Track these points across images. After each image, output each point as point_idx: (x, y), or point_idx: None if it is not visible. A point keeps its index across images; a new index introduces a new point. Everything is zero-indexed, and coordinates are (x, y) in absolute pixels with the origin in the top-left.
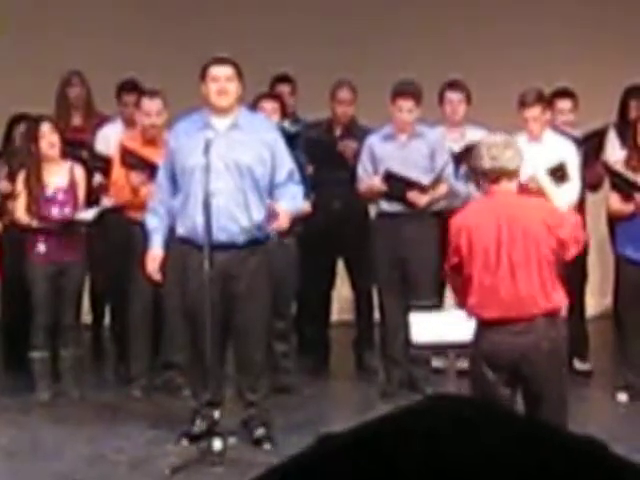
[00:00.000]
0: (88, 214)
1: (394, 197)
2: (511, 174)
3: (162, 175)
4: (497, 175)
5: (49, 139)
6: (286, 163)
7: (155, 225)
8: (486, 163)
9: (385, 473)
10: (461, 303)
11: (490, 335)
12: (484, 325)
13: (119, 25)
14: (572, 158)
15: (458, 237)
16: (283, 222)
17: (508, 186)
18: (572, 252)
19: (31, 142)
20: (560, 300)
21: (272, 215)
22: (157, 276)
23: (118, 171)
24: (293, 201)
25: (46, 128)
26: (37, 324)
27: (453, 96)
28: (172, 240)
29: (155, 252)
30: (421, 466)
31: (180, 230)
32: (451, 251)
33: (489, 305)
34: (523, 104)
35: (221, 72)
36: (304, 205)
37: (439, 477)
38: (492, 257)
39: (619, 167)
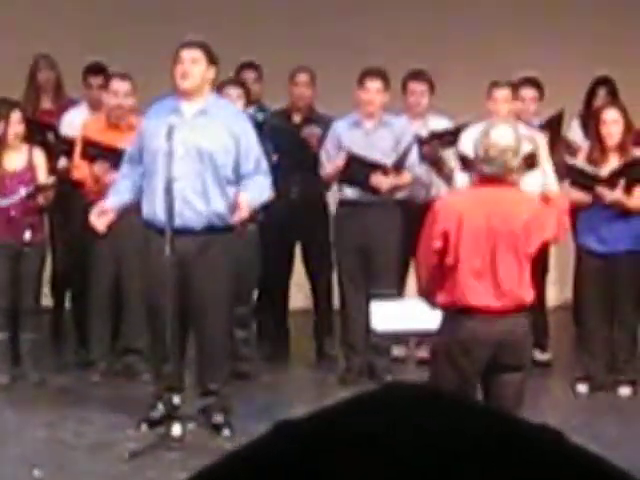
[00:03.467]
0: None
1: (356, 181)
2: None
3: (131, 151)
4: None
5: (15, 129)
6: (253, 153)
7: (114, 189)
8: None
9: (342, 460)
10: (429, 290)
11: (466, 323)
12: (458, 313)
13: (88, 9)
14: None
15: (446, 222)
16: (244, 212)
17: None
18: (558, 239)
19: None
20: (531, 295)
21: (234, 205)
22: (100, 227)
23: (80, 159)
24: (259, 193)
25: (15, 117)
26: None
27: (416, 87)
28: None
29: (103, 204)
30: (378, 453)
31: (144, 212)
32: (435, 235)
33: (470, 293)
34: (494, 84)
35: (186, 54)
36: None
37: (395, 464)
38: (480, 246)
39: (579, 161)
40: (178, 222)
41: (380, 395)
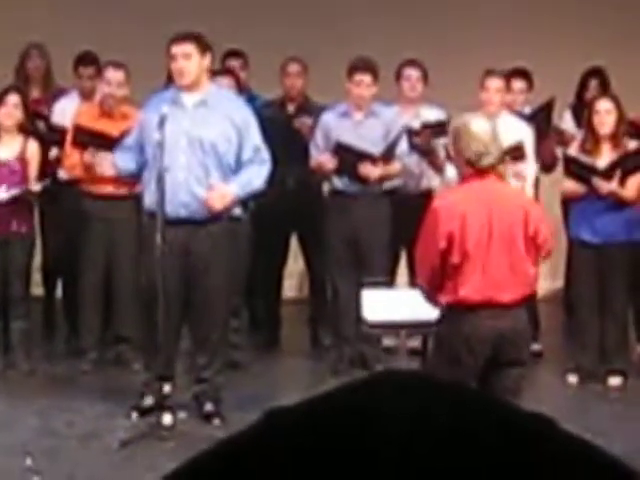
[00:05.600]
0: (35, 187)
1: (345, 171)
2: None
3: (128, 141)
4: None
5: (10, 111)
6: (252, 140)
7: (117, 157)
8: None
9: (332, 449)
10: (431, 289)
11: (470, 319)
12: (463, 308)
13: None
14: (528, 138)
15: (450, 223)
16: (216, 202)
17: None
18: (545, 252)
19: None
20: (534, 286)
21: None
22: (110, 172)
23: (71, 147)
24: (247, 182)
25: (11, 100)
26: None
27: (412, 72)
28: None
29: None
30: (373, 437)
31: (146, 203)
32: (439, 236)
33: (475, 289)
34: (488, 74)
35: (178, 50)
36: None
37: (391, 448)
38: (483, 239)
39: (573, 151)
40: (183, 213)
41: (375, 381)
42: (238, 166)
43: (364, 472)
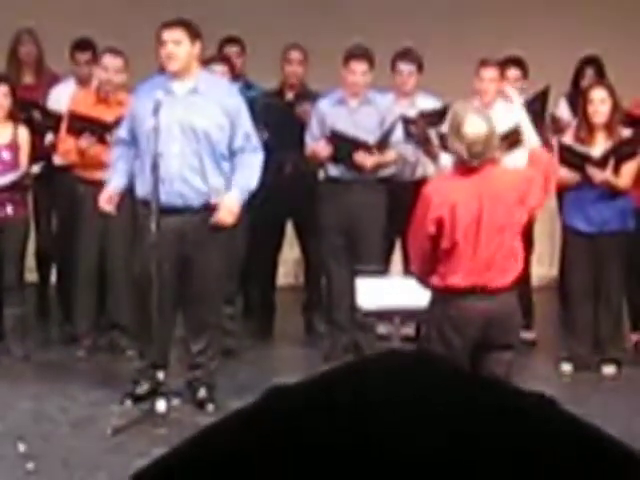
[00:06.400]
0: (34, 169)
1: (340, 159)
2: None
3: (122, 132)
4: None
5: (0, 101)
6: (243, 127)
7: (115, 170)
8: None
9: (330, 433)
10: (423, 273)
11: (457, 300)
12: (451, 292)
13: None
14: (525, 121)
15: (441, 209)
16: (227, 218)
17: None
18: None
19: None
20: (520, 270)
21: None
22: (107, 208)
23: (66, 133)
24: (247, 183)
25: (0, 91)
26: None
27: (404, 67)
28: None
29: (110, 188)
30: (373, 416)
31: (139, 192)
32: (429, 222)
33: (463, 273)
34: (483, 64)
35: (168, 36)
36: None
37: (393, 428)
38: (472, 229)
39: (568, 139)
40: (179, 202)
41: (376, 363)
42: (230, 154)
43: (360, 458)
